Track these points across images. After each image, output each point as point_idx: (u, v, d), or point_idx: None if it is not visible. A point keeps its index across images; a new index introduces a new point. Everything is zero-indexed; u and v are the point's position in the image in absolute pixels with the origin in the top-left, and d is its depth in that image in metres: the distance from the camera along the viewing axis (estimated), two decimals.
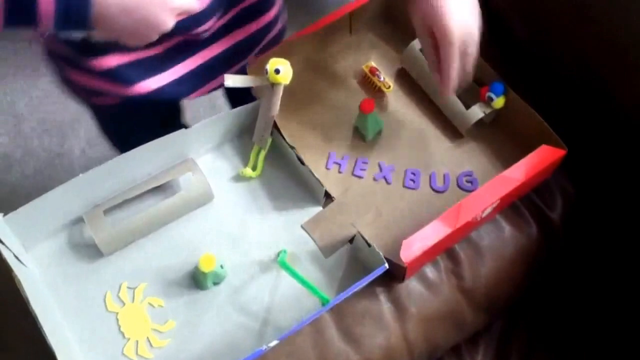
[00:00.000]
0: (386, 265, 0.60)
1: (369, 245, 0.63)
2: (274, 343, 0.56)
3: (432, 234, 0.61)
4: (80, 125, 1.58)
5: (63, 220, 0.65)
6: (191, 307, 0.63)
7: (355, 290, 0.60)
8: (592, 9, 0.70)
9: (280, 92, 0.66)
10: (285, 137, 0.68)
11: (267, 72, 0.65)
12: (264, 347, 0.55)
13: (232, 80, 0.66)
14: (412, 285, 0.67)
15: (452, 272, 0.69)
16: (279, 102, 0.66)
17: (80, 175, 0.62)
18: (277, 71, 0.65)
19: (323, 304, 0.60)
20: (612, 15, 0.69)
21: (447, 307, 0.68)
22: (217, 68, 0.76)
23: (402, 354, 0.66)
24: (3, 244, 0.59)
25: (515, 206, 0.72)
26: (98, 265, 0.65)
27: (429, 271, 0.68)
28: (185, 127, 0.66)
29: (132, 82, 0.70)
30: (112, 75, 0.69)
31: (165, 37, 0.62)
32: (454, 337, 0.71)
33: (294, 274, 0.61)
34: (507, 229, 0.71)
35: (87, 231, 0.66)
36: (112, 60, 0.68)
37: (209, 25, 0.69)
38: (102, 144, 1.55)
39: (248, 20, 0.75)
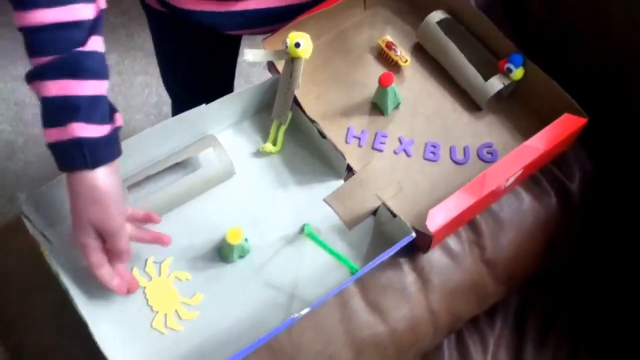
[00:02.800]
0: (413, 234, 0.60)
1: (394, 215, 0.63)
2: (305, 311, 0.56)
3: (457, 203, 0.62)
4: None
5: None
6: (218, 280, 0.63)
7: (382, 260, 0.60)
8: None
9: (301, 66, 0.66)
10: (306, 111, 0.68)
11: (286, 47, 0.65)
12: (296, 315, 0.56)
13: (252, 54, 0.66)
14: (435, 257, 0.68)
15: (474, 243, 0.69)
16: (300, 77, 0.66)
17: None
18: (297, 45, 0.64)
19: (352, 273, 0.60)
20: None
21: (469, 278, 0.69)
22: (265, 19, 0.76)
23: (426, 325, 0.67)
24: (29, 220, 0.59)
25: (534, 177, 0.73)
26: None
27: (452, 242, 0.69)
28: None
29: None
30: None
31: None
32: (475, 308, 0.72)
33: (322, 244, 0.61)
34: (526, 199, 0.72)
35: None
36: None
37: None
38: None
39: None
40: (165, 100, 1.61)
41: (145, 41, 1.70)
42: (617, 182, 0.78)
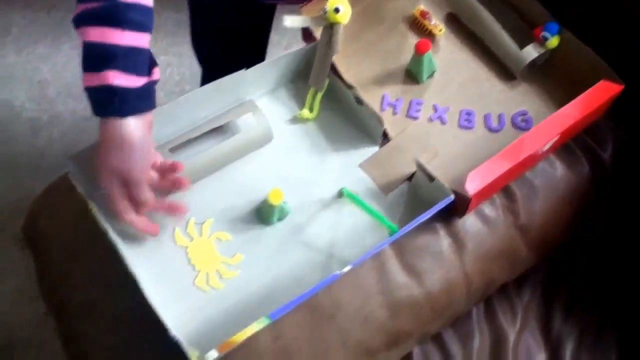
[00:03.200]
0: (452, 196, 0.61)
1: (432, 179, 0.64)
2: (347, 268, 0.58)
3: (496, 167, 0.62)
4: None
5: None
6: (258, 241, 0.64)
7: (419, 222, 0.61)
8: None
9: (340, 31, 0.67)
10: (344, 77, 0.69)
11: (325, 12, 0.66)
12: (338, 272, 0.57)
13: (291, 20, 0.67)
14: (470, 222, 0.68)
15: (508, 209, 0.70)
16: (339, 42, 0.67)
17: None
18: (336, 10, 0.65)
19: (390, 234, 0.61)
20: None
21: (503, 243, 0.70)
22: None
23: (460, 288, 0.68)
24: (76, 181, 0.60)
25: (568, 146, 0.73)
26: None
27: (486, 208, 0.70)
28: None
29: None
30: None
31: None
32: (507, 273, 0.73)
33: (362, 204, 0.62)
34: (560, 167, 0.72)
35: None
36: None
37: None
38: None
39: None
40: (187, 79, 1.62)
41: (166, 22, 1.70)
42: None
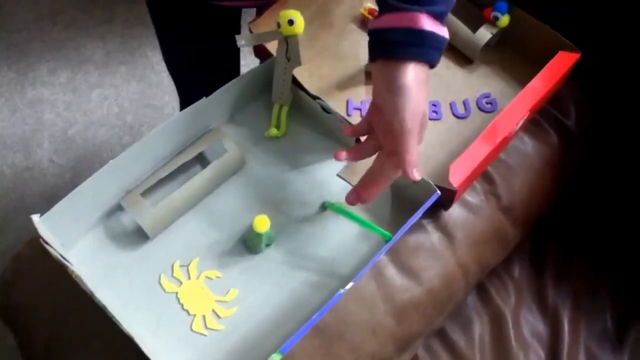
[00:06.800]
0: (438, 192, 0.60)
1: None
2: (350, 285, 0.56)
3: (475, 154, 0.62)
4: (43, 136, 1.51)
5: (98, 213, 0.63)
6: (250, 273, 0.62)
7: (412, 223, 0.60)
8: None
9: (297, 43, 0.65)
10: (307, 88, 0.68)
11: (279, 26, 0.64)
12: (341, 291, 0.55)
13: (245, 39, 0.64)
14: (456, 213, 0.68)
15: (490, 192, 0.70)
16: (299, 54, 0.65)
17: (111, 162, 0.60)
18: (290, 22, 0.63)
19: (386, 241, 0.60)
20: None
21: (491, 227, 0.70)
22: None
23: (458, 279, 0.68)
24: (49, 244, 0.56)
25: (534, 120, 0.74)
26: (144, 250, 0.62)
27: (468, 196, 0.70)
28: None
29: None
30: None
31: None
32: (500, 255, 0.73)
33: (349, 214, 0.61)
34: (530, 142, 0.73)
35: (125, 218, 0.63)
36: None
37: None
38: (70, 150, 1.51)
39: None
40: (127, 109, 1.56)
41: (94, 52, 1.64)
42: (612, 112, 0.81)
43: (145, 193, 0.63)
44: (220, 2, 0.77)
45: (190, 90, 0.64)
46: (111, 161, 0.60)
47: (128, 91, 1.59)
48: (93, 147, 1.51)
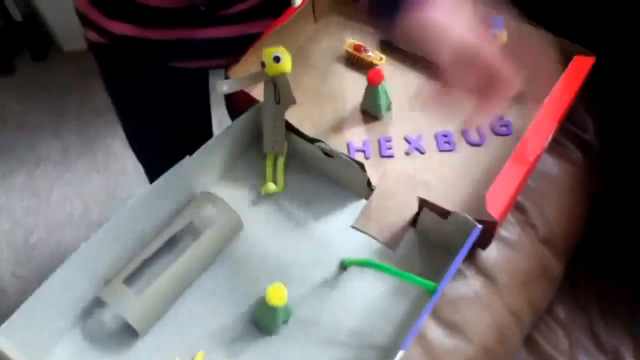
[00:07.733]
0: (479, 225, 0.51)
1: (446, 214, 0.54)
2: (399, 356, 0.45)
3: (510, 178, 0.54)
4: (3, 247, 1.37)
5: (73, 311, 0.51)
6: (268, 357, 0.50)
7: (457, 267, 0.50)
8: None
9: (287, 81, 0.57)
10: (304, 132, 0.59)
11: (264, 66, 0.56)
12: None
13: (227, 85, 0.56)
14: (494, 252, 0.59)
15: (525, 223, 0.62)
16: (291, 92, 0.57)
17: (82, 245, 0.49)
18: (276, 59, 0.56)
19: (431, 293, 0.50)
20: None
21: (536, 263, 0.61)
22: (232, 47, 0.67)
23: (512, 329, 0.58)
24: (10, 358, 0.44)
25: (553, 139, 0.67)
26: (135, 351, 0.50)
27: (503, 231, 0.61)
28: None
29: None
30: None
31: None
32: (549, 293, 0.64)
33: (387, 269, 0.50)
34: (553, 162, 0.66)
35: (107, 314, 0.51)
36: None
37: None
38: (32, 261, 1.37)
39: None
40: (91, 208, 1.44)
41: (49, 151, 1.53)
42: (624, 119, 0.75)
43: (128, 280, 0.51)
44: (187, 64, 0.71)
45: (161, 166, 0.55)
46: (82, 244, 0.49)
47: (91, 185, 1.48)
48: (58, 253, 1.37)
